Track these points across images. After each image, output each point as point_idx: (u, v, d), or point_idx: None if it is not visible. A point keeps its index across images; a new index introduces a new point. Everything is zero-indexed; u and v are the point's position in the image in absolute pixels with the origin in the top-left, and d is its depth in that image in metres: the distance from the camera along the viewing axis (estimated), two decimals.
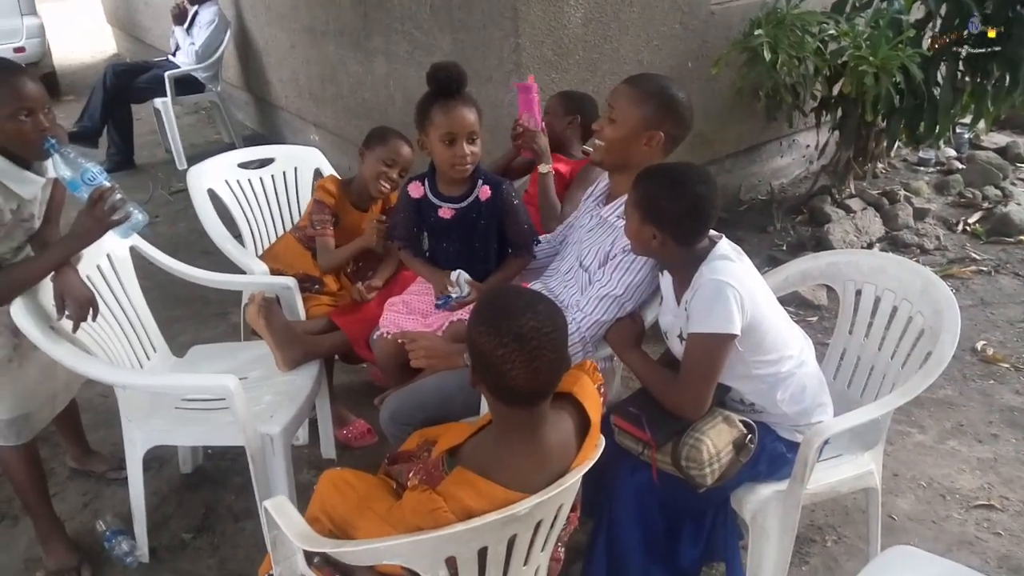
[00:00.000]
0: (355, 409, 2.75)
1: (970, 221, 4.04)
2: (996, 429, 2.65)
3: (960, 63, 3.62)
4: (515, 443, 1.36)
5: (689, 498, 1.80)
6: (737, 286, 1.63)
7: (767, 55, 3.38)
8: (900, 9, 3.47)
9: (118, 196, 1.87)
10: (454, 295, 2.12)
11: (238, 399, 1.94)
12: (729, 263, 1.68)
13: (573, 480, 1.37)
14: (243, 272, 2.53)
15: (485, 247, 2.15)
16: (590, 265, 1.99)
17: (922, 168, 4.67)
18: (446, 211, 2.09)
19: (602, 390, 1.56)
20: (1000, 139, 4.80)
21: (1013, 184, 4.36)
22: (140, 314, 2.30)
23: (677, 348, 1.80)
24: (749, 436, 1.73)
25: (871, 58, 3.25)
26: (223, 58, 5.36)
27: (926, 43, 3.61)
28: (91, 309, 1.95)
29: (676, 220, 1.67)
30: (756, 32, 3.45)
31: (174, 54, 5.33)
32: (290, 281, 2.42)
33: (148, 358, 2.30)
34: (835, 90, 3.80)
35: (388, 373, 2.25)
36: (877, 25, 3.37)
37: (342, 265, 2.57)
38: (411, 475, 1.50)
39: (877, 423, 1.90)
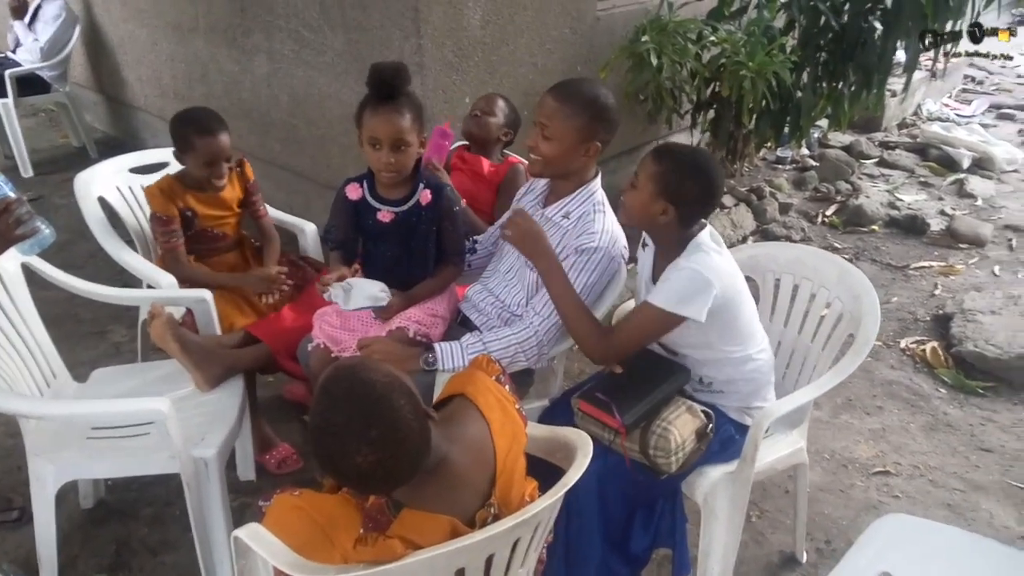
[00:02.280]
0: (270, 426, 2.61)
1: (827, 213, 4.42)
2: (880, 401, 2.92)
3: (819, 69, 3.96)
4: (429, 479, 1.33)
5: (649, 485, 1.86)
6: (716, 280, 1.71)
7: (653, 60, 3.55)
8: (769, 18, 3.74)
9: (24, 209, 1.68)
10: (331, 298, 1.96)
11: (172, 423, 1.79)
12: (710, 256, 1.75)
13: (564, 490, 1.37)
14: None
15: (423, 251, 2.11)
16: None
17: (780, 166, 5.05)
18: (385, 214, 2.03)
19: (502, 379, 1.56)
20: (844, 138, 5.29)
21: (859, 179, 4.82)
22: (37, 337, 2.08)
23: None
24: (710, 425, 1.81)
25: (749, 63, 3.48)
26: (71, 56, 4.91)
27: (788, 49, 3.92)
28: None
29: (691, 202, 1.75)
30: (642, 39, 3.60)
31: (14, 51, 4.82)
32: (205, 294, 2.27)
33: (48, 385, 2.08)
34: (708, 94, 4.05)
35: None
36: (752, 32, 3.61)
37: (200, 283, 2.39)
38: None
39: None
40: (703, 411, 1.81)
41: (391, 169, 1.95)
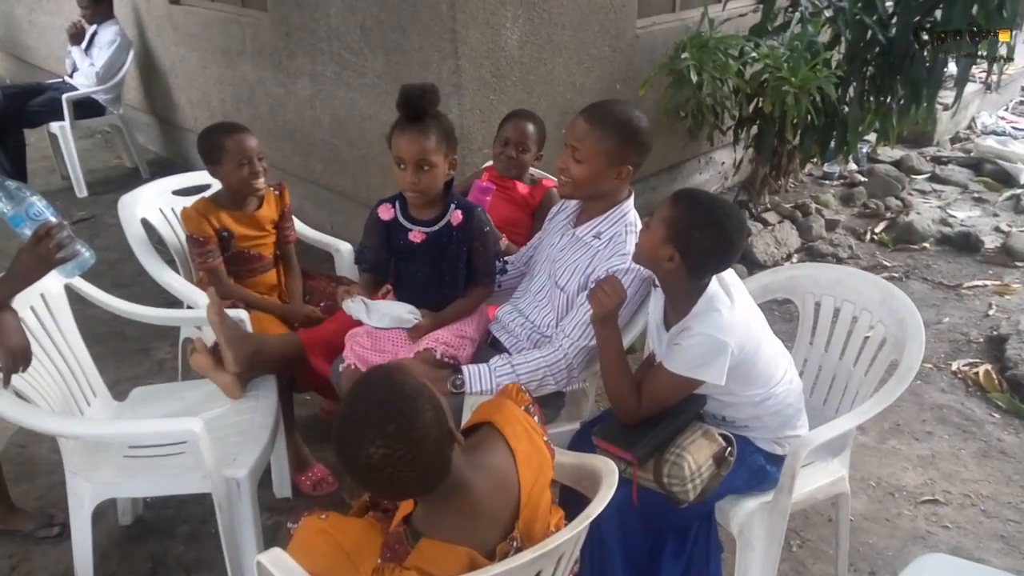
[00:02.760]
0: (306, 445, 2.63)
1: (876, 230, 4.31)
2: (930, 427, 2.81)
3: (866, 83, 3.86)
4: (449, 507, 1.31)
5: (673, 514, 1.81)
6: (732, 341, 1.65)
7: (694, 77, 3.50)
8: (814, 32, 3.66)
9: (66, 233, 1.73)
10: (354, 316, 2.00)
11: (204, 443, 1.81)
12: (722, 314, 1.67)
13: (588, 521, 1.34)
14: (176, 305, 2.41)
15: (453, 272, 2.10)
16: (567, 285, 1.99)
17: (827, 182, 4.95)
18: (417, 235, 2.03)
19: (532, 409, 1.53)
20: (894, 153, 5.15)
21: (910, 195, 4.68)
22: (79, 357, 2.12)
23: None
24: (728, 449, 1.76)
25: (792, 79, 3.41)
26: (125, 80, 5.07)
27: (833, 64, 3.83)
28: (24, 360, 1.79)
29: (701, 254, 1.65)
30: (682, 55, 3.57)
31: (71, 75, 5.00)
32: (243, 314, 2.30)
33: (88, 404, 2.12)
34: (751, 110, 3.98)
35: None
36: (796, 48, 3.54)
37: (243, 303, 2.46)
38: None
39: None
40: (721, 434, 1.76)
41: (415, 189, 1.95)
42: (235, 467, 1.93)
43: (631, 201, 2.02)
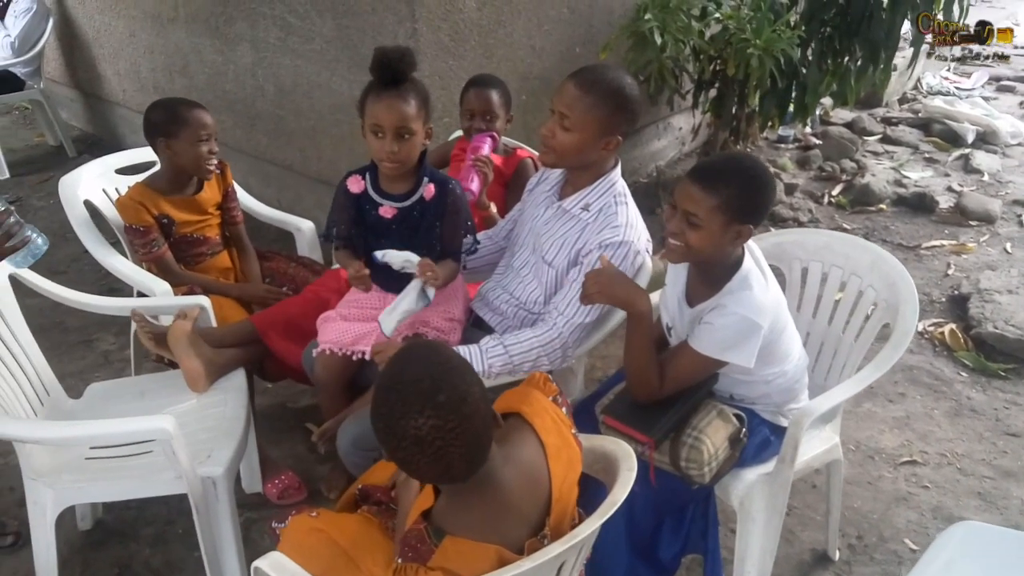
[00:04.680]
0: (269, 436, 2.47)
1: (834, 193, 4.33)
2: (902, 388, 2.83)
3: (824, 44, 3.85)
4: (476, 502, 1.24)
5: (679, 493, 1.77)
6: (764, 323, 1.60)
7: (657, 39, 3.42)
8: None
9: (13, 219, 1.57)
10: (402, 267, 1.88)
11: (177, 442, 1.68)
12: (754, 293, 1.62)
13: (614, 509, 1.27)
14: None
15: (427, 250, 1.97)
16: (555, 260, 1.90)
17: (782, 145, 4.95)
18: (387, 209, 1.91)
19: (559, 400, 1.46)
20: (846, 115, 5.19)
21: (864, 156, 4.72)
22: (29, 353, 1.95)
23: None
24: (743, 430, 1.71)
25: (756, 41, 3.36)
26: (44, 51, 4.72)
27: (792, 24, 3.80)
28: None
29: (763, 208, 1.64)
30: (645, 16, 3.48)
31: None
32: (204, 300, 2.15)
33: (42, 403, 1.95)
34: (711, 72, 3.93)
35: (329, 394, 2.05)
36: (759, 8, 3.49)
37: (197, 284, 2.34)
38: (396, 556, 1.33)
39: None
40: (735, 415, 1.71)
41: (394, 159, 1.83)
42: (210, 465, 1.80)
43: (618, 170, 1.94)
